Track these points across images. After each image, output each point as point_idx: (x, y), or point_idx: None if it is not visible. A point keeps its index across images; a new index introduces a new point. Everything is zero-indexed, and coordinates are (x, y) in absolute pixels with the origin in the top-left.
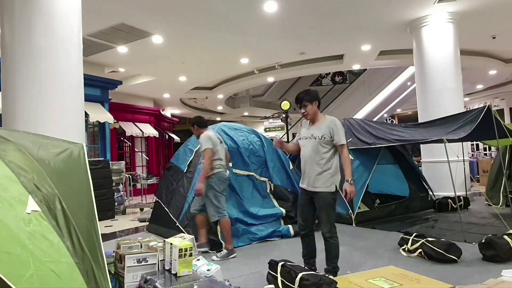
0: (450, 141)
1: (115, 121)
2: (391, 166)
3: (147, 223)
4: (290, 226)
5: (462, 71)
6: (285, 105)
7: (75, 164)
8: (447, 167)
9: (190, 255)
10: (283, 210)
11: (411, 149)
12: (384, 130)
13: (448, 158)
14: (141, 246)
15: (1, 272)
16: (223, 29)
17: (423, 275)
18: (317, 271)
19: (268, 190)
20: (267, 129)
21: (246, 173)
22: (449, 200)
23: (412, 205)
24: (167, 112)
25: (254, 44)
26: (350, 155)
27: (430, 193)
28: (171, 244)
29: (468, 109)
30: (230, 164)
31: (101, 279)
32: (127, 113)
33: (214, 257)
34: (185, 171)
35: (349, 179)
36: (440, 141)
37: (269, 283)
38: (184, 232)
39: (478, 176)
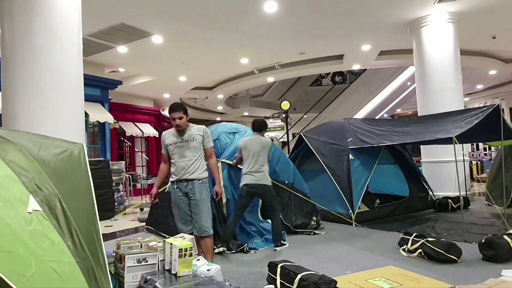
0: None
1: (115, 121)
2: (391, 166)
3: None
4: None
5: (462, 71)
6: (285, 105)
7: (76, 164)
8: (447, 167)
9: (190, 255)
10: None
11: (411, 149)
12: (387, 128)
13: (456, 157)
14: (141, 246)
15: (2, 272)
16: (223, 29)
17: (423, 275)
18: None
19: None
20: (267, 129)
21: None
22: (449, 200)
23: (412, 205)
24: (167, 112)
25: (254, 44)
26: (350, 155)
27: (430, 193)
28: (171, 244)
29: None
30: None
31: (102, 279)
32: (127, 113)
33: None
34: None
35: None
36: (440, 141)
37: (269, 283)
38: None
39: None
